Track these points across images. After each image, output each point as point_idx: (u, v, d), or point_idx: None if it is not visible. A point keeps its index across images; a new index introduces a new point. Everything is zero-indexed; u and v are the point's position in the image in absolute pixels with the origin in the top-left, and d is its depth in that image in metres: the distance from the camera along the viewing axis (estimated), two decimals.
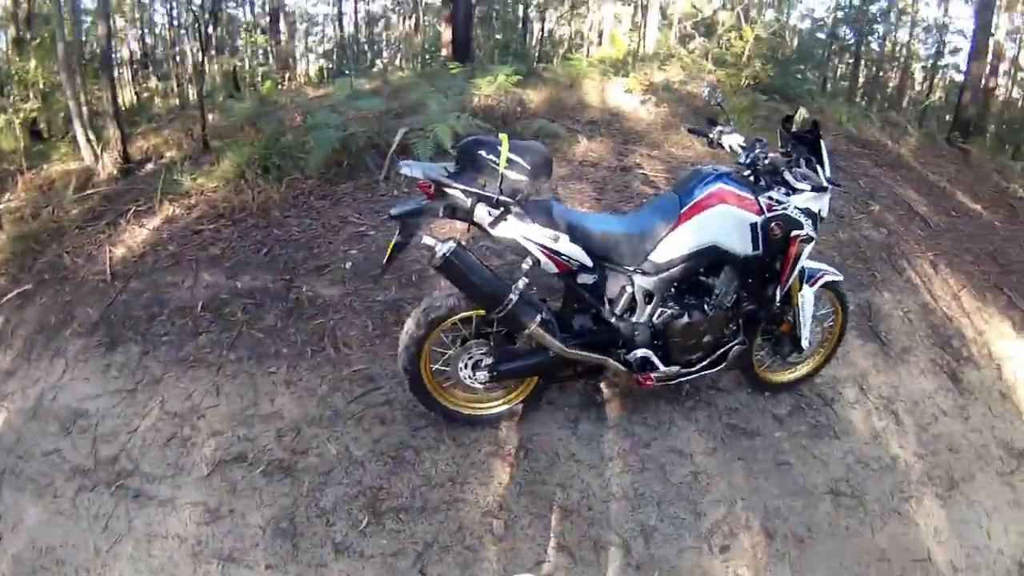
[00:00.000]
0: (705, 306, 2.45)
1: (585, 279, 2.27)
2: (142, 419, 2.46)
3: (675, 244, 2.29)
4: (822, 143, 2.47)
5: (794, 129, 2.55)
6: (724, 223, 2.31)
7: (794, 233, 2.37)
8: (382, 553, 2.07)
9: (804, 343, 2.88)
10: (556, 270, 2.17)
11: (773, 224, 2.34)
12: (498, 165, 1.95)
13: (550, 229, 2.09)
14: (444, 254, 1.94)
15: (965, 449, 3.27)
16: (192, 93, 9.39)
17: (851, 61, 15.63)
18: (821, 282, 2.84)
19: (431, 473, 2.32)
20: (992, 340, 3.96)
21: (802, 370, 3.20)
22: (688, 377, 2.60)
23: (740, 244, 2.36)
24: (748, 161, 2.43)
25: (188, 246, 3.47)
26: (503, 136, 2.06)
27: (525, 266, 2.16)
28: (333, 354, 2.84)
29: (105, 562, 2.06)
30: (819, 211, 2.51)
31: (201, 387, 2.65)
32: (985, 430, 3.42)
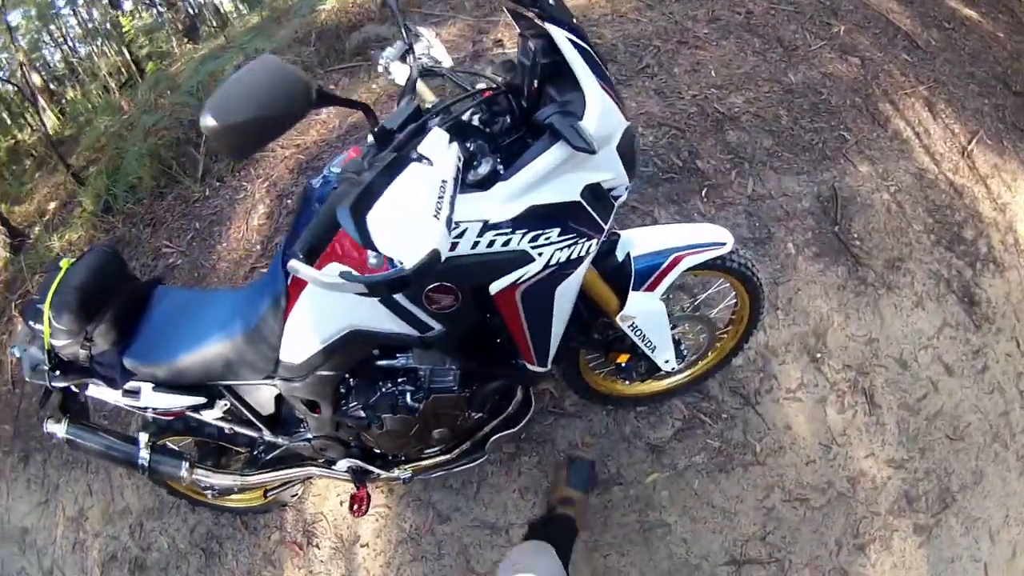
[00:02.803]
0: (408, 397, 1.32)
1: (213, 412, 1.40)
2: (56, 528, 2.43)
3: (299, 339, 1.20)
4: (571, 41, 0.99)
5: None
6: (344, 296, 1.06)
7: (499, 286, 1.09)
8: None
9: (665, 366, 1.53)
10: (173, 417, 1.46)
11: (431, 293, 1.09)
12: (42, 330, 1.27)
13: (123, 386, 1.32)
14: (64, 438, 1.38)
15: (975, 430, 1.97)
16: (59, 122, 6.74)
17: None
18: (674, 275, 1.36)
19: (232, 565, 2.03)
20: (1021, 218, 2.37)
21: (685, 376, 1.80)
22: (455, 468, 1.62)
23: (392, 322, 1.15)
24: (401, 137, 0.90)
25: None
26: (63, 263, 1.32)
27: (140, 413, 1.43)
28: None
29: None
30: (587, 190, 1.09)
31: (79, 488, 2.43)
32: (1009, 385, 2.03)
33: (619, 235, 1.35)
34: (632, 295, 1.33)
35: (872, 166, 2.34)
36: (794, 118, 2.41)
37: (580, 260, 1.11)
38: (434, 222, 0.70)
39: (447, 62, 1.27)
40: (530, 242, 1.02)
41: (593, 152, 0.92)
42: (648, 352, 1.47)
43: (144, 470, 1.42)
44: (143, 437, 1.43)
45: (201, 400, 1.33)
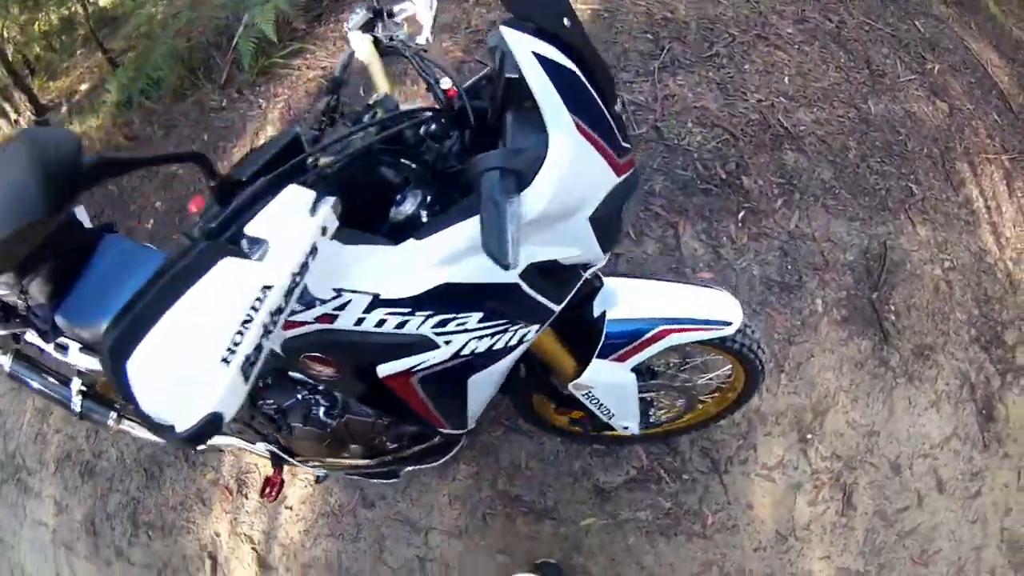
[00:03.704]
0: (322, 412, 1.13)
1: None
2: (24, 416, 2.45)
3: None
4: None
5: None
6: None
7: (388, 371, 0.80)
8: (140, 563, 2.03)
9: (623, 431, 1.31)
10: None
11: (306, 359, 0.84)
12: None
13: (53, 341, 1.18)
14: (6, 371, 1.27)
15: (942, 558, 1.72)
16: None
17: None
18: (654, 349, 1.08)
19: (169, 494, 2.02)
20: None
21: (654, 430, 1.53)
22: (371, 478, 1.53)
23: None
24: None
25: None
26: None
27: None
28: None
29: (19, 541, 2.31)
30: (532, 269, 0.79)
31: None
32: (994, 519, 1.80)
33: (602, 284, 1.05)
34: (596, 363, 1.04)
35: (933, 231, 2.00)
36: (863, 154, 2.05)
37: (508, 351, 0.85)
38: (220, 369, 0.48)
39: (425, 34, 0.98)
40: (435, 327, 0.76)
41: (505, 268, 0.60)
42: (603, 418, 1.21)
43: (76, 415, 1.32)
44: (75, 384, 1.30)
45: None
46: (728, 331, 1.06)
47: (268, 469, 1.57)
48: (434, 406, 0.95)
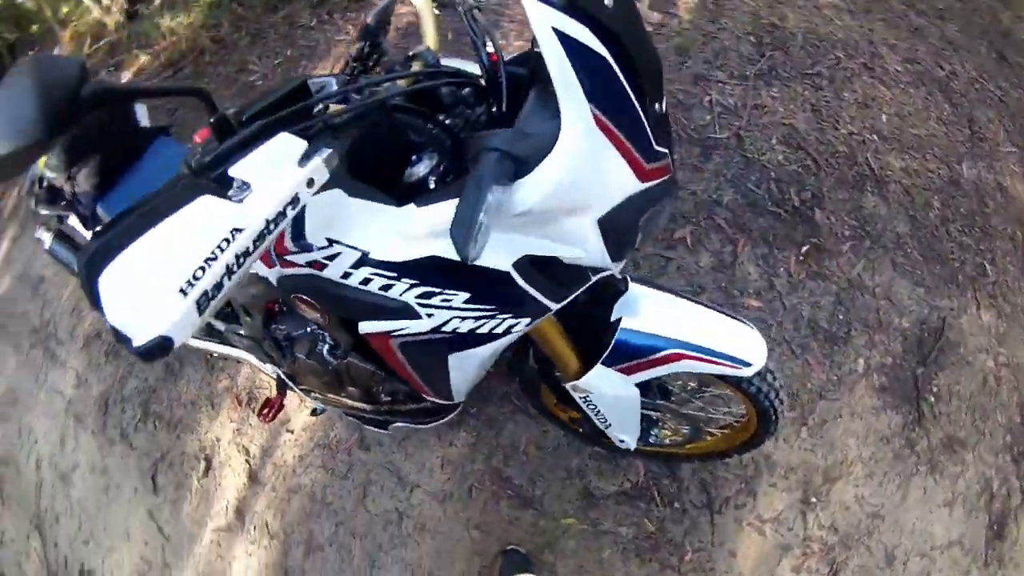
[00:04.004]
0: (326, 350, 1.11)
1: None
2: (66, 289, 2.54)
3: None
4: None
5: None
6: None
7: (369, 329, 0.82)
8: (140, 450, 2.07)
9: (619, 444, 1.22)
10: None
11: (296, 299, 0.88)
12: None
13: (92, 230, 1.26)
14: (47, 248, 1.25)
15: None
16: None
17: None
18: (664, 371, 0.97)
19: (183, 391, 2.06)
20: None
21: (659, 449, 1.43)
22: (365, 423, 1.48)
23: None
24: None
25: None
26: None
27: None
28: None
29: (34, 404, 2.42)
30: (525, 261, 0.73)
31: None
32: None
33: (627, 288, 0.98)
34: (600, 369, 0.96)
35: (996, 320, 1.84)
36: (945, 217, 1.88)
37: (493, 337, 0.80)
38: (177, 299, 0.49)
39: None
40: (419, 297, 0.74)
41: (464, 260, 0.58)
42: (599, 426, 1.12)
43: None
44: None
45: None
46: (746, 372, 0.95)
47: (274, 392, 1.54)
48: (415, 373, 0.93)
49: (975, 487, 1.71)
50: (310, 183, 0.56)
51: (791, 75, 2.00)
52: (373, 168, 0.70)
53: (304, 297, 0.84)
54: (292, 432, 1.81)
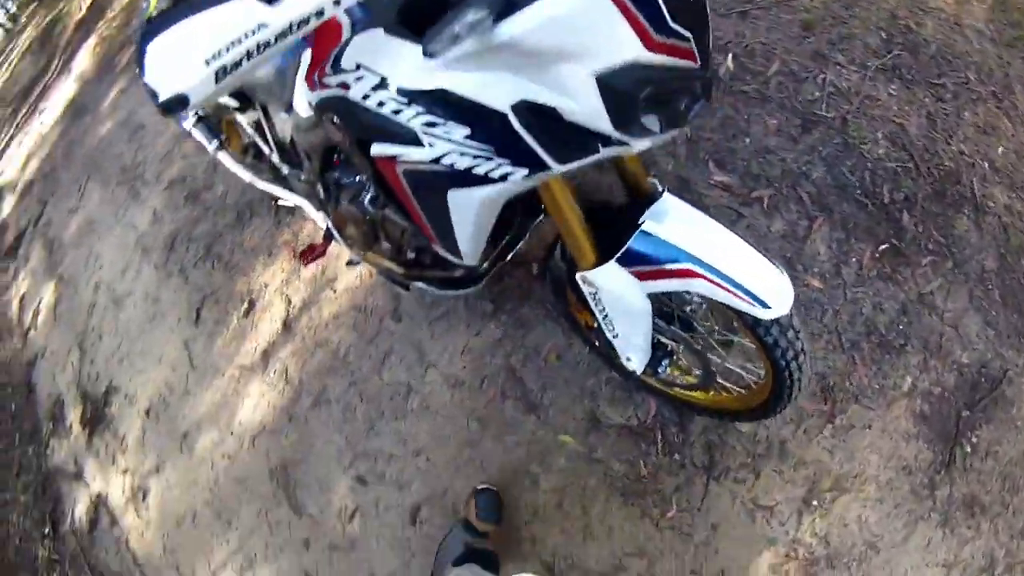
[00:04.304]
0: (367, 199, 1.23)
1: (245, 118, 1.49)
2: (160, 138, 2.67)
3: (301, 97, 1.10)
4: None
5: None
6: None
7: (379, 151, 0.89)
8: (193, 284, 2.17)
9: (626, 363, 1.14)
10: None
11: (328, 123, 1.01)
12: None
13: None
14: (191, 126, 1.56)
15: None
16: None
17: None
18: (675, 285, 0.92)
19: (247, 238, 2.16)
20: None
21: (675, 391, 1.38)
22: (392, 279, 1.45)
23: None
24: None
25: None
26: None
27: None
28: None
29: (108, 235, 2.61)
30: (523, 106, 0.75)
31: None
32: None
33: (662, 195, 0.97)
34: (612, 266, 0.94)
35: None
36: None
37: (487, 180, 0.82)
38: (201, 66, 0.60)
39: None
40: (424, 126, 0.80)
41: (425, 54, 0.68)
42: (606, 332, 1.07)
43: (185, 132, 1.61)
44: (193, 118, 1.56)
45: (235, 103, 1.43)
46: (763, 314, 0.89)
47: (335, 246, 1.64)
48: (420, 209, 0.97)
49: (980, 560, 1.58)
50: (337, 2, 0.62)
51: (914, 79, 1.86)
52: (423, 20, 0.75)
53: (332, 118, 0.95)
54: (335, 291, 1.88)
